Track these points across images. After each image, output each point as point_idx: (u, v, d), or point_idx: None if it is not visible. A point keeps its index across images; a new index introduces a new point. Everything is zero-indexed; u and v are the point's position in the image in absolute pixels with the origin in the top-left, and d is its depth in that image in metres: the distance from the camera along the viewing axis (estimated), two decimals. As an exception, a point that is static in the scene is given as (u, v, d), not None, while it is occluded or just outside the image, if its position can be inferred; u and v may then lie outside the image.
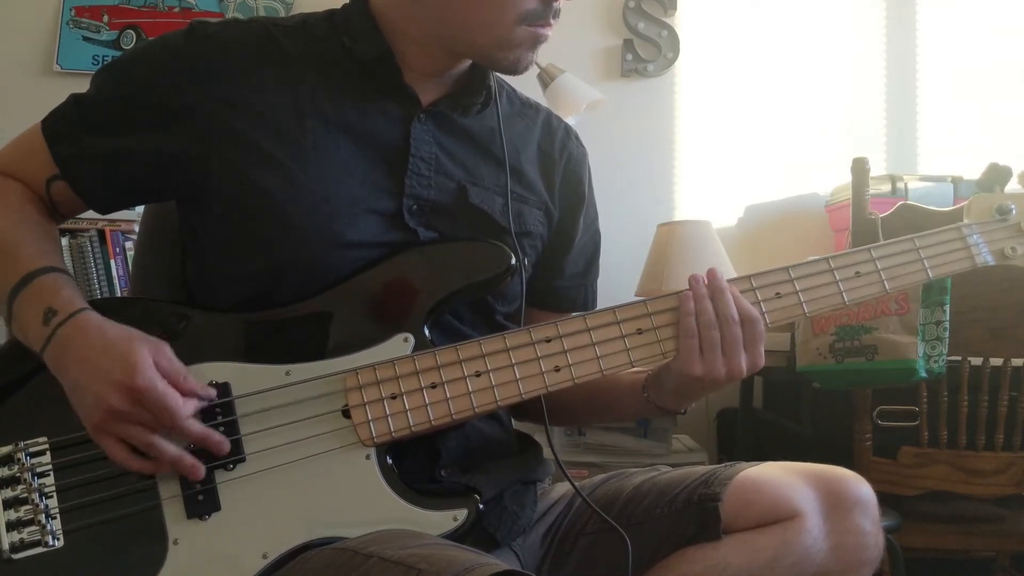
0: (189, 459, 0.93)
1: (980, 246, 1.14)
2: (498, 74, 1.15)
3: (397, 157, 1.06)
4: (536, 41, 1.03)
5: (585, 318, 1.03)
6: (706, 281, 1.03)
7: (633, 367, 1.03)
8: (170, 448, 0.92)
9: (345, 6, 1.11)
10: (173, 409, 0.91)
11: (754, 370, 1.03)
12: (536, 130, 1.21)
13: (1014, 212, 1.16)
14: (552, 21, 1.03)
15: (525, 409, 1.19)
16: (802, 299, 1.07)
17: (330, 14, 1.11)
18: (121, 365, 0.90)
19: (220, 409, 0.97)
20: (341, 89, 1.06)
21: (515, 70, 1.05)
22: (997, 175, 1.21)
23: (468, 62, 1.11)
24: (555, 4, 1.02)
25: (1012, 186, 1.22)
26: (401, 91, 1.07)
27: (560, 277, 1.23)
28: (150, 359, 0.92)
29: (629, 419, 1.17)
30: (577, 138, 1.26)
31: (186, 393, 0.93)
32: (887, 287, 1.09)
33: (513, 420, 1.21)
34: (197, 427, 0.93)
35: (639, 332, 1.03)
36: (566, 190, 1.21)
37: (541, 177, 1.19)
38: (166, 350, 0.94)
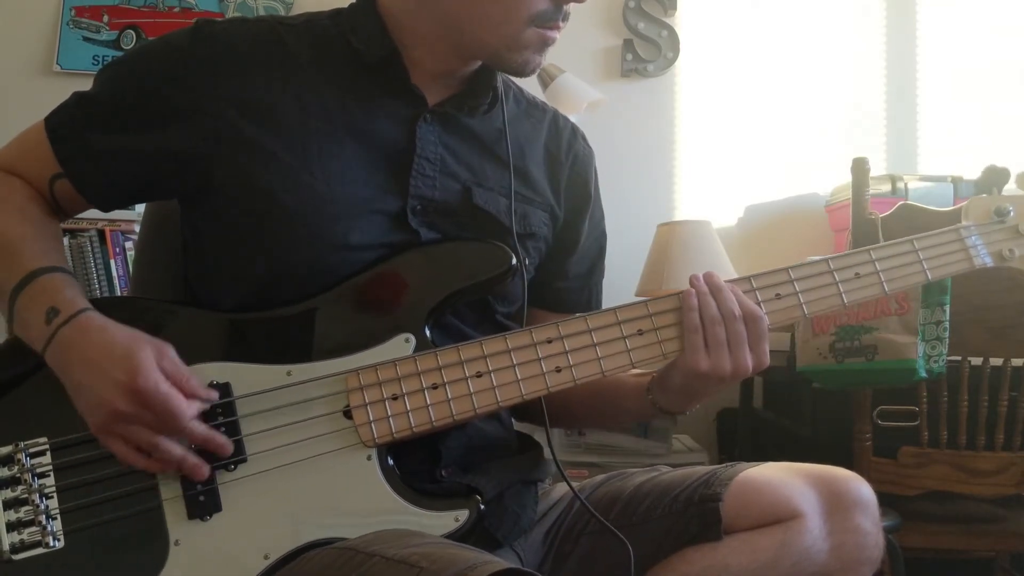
0: (193, 459, 0.93)
1: (978, 248, 1.15)
2: (505, 76, 1.15)
3: (402, 158, 1.06)
4: (545, 43, 1.04)
5: (586, 319, 1.03)
6: (706, 280, 1.04)
7: (634, 368, 1.03)
8: (174, 449, 0.92)
9: (352, 5, 1.11)
10: (176, 411, 0.91)
11: (760, 368, 1.03)
12: (543, 130, 1.20)
13: (1012, 214, 1.16)
14: (561, 24, 1.03)
15: (526, 410, 1.19)
16: (802, 300, 1.07)
17: (336, 13, 1.11)
18: (124, 366, 0.90)
19: (221, 410, 0.97)
20: (347, 89, 1.06)
21: (523, 72, 1.05)
22: (995, 177, 1.21)
23: (475, 64, 1.11)
24: (565, 7, 1.02)
25: (1010, 188, 1.22)
26: (408, 91, 1.07)
27: (564, 278, 1.23)
28: (153, 360, 0.92)
29: (631, 422, 1.17)
30: (584, 138, 1.26)
31: (189, 395, 0.93)
32: (886, 288, 1.10)
33: (514, 420, 1.21)
34: (201, 428, 0.93)
35: (640, 333, 1.03)
36: (572, 191, 1.21)
37: (547, 178, 1.19)
38: (169, 352, 0.94)
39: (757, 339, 1.02)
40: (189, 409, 0.92)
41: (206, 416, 0.96)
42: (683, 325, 1.03)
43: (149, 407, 0.90)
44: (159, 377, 0.91)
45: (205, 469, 0.94)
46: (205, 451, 0.95)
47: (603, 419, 1.25)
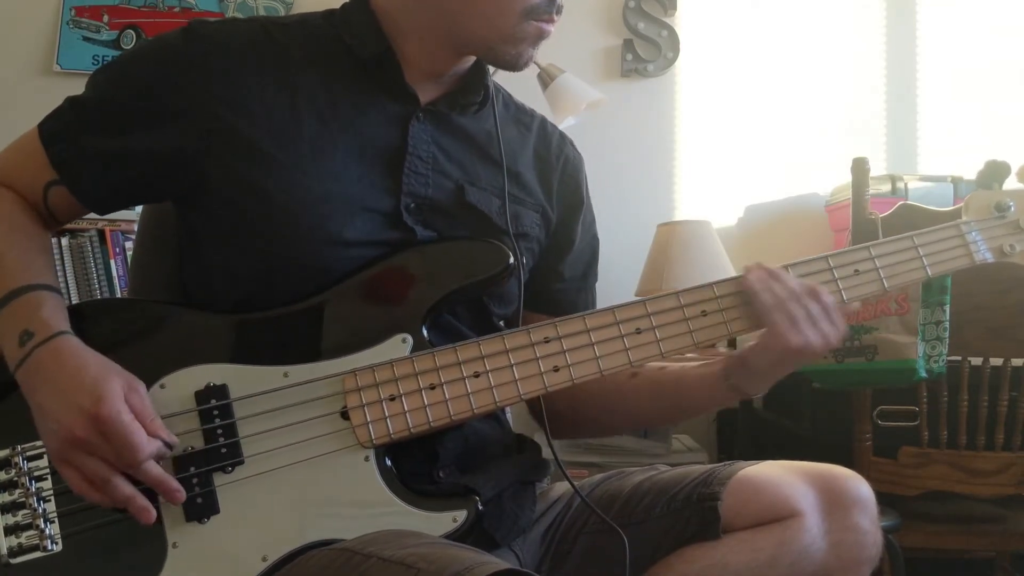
0: (141, 501, 0.91)
1: (979, 243, 1.14)
2: (495, 80, 1.15)
3: (395, 156, 1.06)
4: (539, 36, 1.04)
5: (584, 318, 1.03)
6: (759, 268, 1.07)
7: (632, 367, 1.03)
8: (125, 487, 0.90)
9: (345, 4, 1.11)
10: (135, 445, 0.89)
11: (841, 336, 1.06)
12: (532, 135, 1.21)
13: (1012, 209, 1.15)
14: (555, 16, 1.04)
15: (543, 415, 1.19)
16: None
17: (329, 13, 1.11)
18: (90, 393, 0.89)
19: (218, 412, 0.96)
20: (340, 87, 1.06)
21: (516, 65, 1.06)
22: (995, 172, 1.20)
23: (468, 62, 1.11)
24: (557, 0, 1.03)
25: (1011, 183, 1.22)
26: (401, 90, 1.07)
27: (559, 280, 1.23)
28: (121, 393, 0.90)
29: (695, 415, 1.18)
30: (572, 144, 1.26)
31: (151, 433, 0.91)
32: (886, 285, 1.09)
33: (512, 418, 1.21)
34: (155, 470, 0.91)
35: (638, 332, 1.03)
36: (564, 194, 1.22)
37: (538, 181, 1.19)
38: (140, 388, 0.93)
39: (826, 310, 1.05)
40: (148, 447, 0.90)
41: (203, 419, 0.96)
42: (759, 306, 1.04)
43: (108, 437, 0.89)
44: (123, 408, 0.89)
45: (152, 515, 0.91)
46: (208, 448, 0.95)
47: (667, 416, 1.24)
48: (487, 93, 1.13)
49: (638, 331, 1.03)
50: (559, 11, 1.04)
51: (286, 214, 1.01)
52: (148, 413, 0.92)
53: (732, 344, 1.96)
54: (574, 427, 1.25)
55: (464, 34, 1.05)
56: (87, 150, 1.03)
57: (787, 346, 1.03)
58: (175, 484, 0.92)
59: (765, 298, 1.04)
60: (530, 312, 1.19)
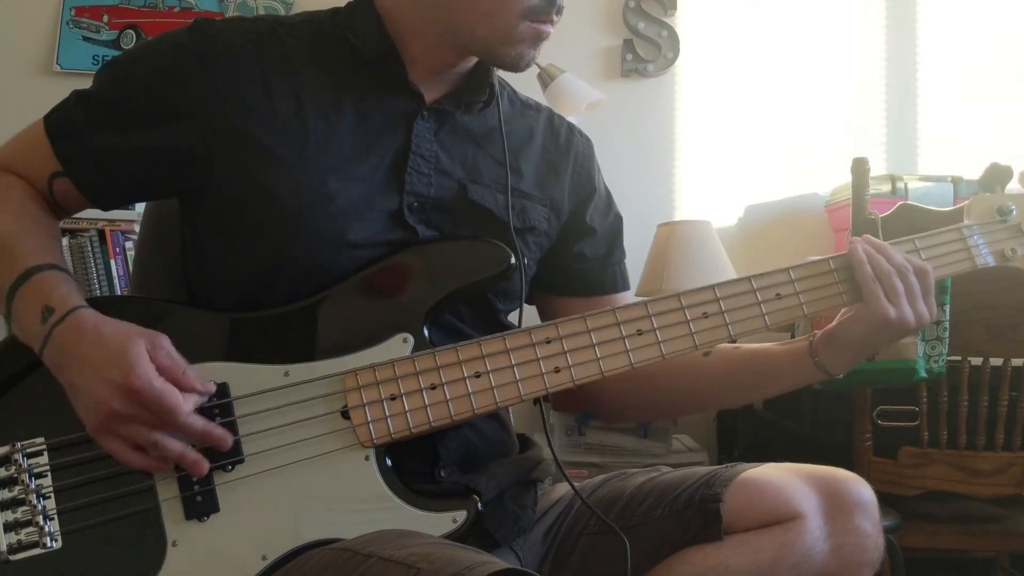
0: (192, 454, 0.93)
1: (981, 247, 1.14)
2: (500, 74, 1.15)
3: (399, 154, 1.06)
4: (538, 37, 1.04)
5: (585, 319, 1.03)
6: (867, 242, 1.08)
7: (633, 367, 1.03)
8: (173, 444, 0.92)
9: (350, 4, 1.11)
10: (172, 407, 0.90)
11: (929, 319, 1.08)
12: (539, 130, 1.21)
13: (1015, 213, 1.16)
14: (555, 17, 1.04)
15: (599, 398, 1.21)
16: (802, 300, 1.08)
17: (334, 12, 1.11)
18: (117, 365, 0.90)
19: (219, 410, 0.96)
20: (345, 87, 1.06)
21: (517, 66, 1.06)
22: (998, 175, 1.20)
23: (472, 61, 1.11)
24: (558, 0, 1.03)
25: (1013, 186, 1.22)
26: (405, 88, 1.07)
27: (582, 261, 1.22)
28: (146, 356, 0.91)
29: (774, 394, 1.19)
30: (580, 133, 1.26)
31: (185, 388, 0.92)
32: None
33: (514, 418, 1.21)
34: (199, 423, 0.93)
35: (639, 333, 1.03)
36: (577, 186, 1.22)
37: (547, 176, 1.19)
38: (164, 343, 0.94)
39: (928, 291, 1.08)
40: (185, 404, 0.91)
41: (203, 416, 0.95)
42: (858, 278, 1.07)
43: (144, 405, 0.90)
44: (152, 373, 0.90)
45: (204, 464, 0.93)
46: (206, 447, 0.94)
47: (739, 396, 1.26)
48: (492, 92, 1.13)
49: (639, 332, 1.03)
50: (559, 11, 1.04)
51: (291, 213, 1.01)
52: (177, 367, 0.93)
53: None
54: (640, 409, 1.27)
55: (464, 33, 1.04)
56: (92, 146, 1.04)
57: (884, 317, 1.05)
58: (220, 430, 0.94)
59: (863, 270, 1.07)
60: (559, 298, 1.21)
